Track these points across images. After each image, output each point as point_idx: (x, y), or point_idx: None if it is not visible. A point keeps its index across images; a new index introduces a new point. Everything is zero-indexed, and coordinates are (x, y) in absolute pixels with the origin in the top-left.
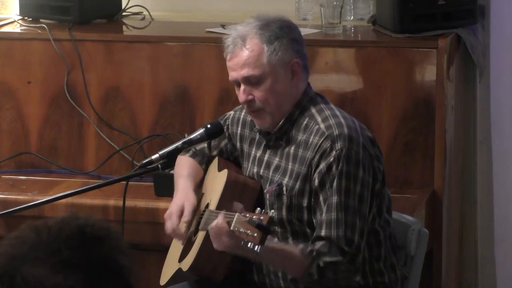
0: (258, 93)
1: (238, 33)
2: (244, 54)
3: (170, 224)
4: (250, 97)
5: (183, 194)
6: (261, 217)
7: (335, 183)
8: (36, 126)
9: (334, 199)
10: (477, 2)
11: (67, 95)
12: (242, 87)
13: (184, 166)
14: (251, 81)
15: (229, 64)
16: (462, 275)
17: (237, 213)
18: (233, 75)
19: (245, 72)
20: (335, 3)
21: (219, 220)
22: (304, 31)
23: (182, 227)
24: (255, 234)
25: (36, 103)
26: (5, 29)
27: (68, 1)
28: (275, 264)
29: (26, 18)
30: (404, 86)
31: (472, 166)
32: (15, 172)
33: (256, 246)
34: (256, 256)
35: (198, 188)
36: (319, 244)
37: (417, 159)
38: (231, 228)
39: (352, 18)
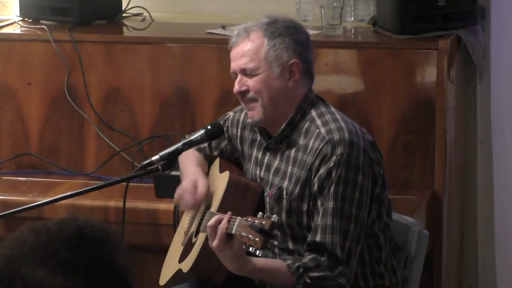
0: (251, 83)
1: (244, 26)
2: (245, 45)
3: (186, 198)
4: (244, 88)
5: (194, 176)
6: (263, 222)
7: (332, 189)
8: (37, 127)
9: (331, 204)
10: (478, 3)
11: (68, 96)
12: (239, 77)
13: (192, 157)
14: (247, 73)
15: (231, 55)
16: (462, 277)
17: (238, 217)
18: (232, 66)
19: (242, 63)
20: (335, 4)
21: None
22: None
23: (199, 198)
24: (257, 239)
25: (36, 104)
26: (5, 30)
27: (68, 2)
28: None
29: (26, 19)
30: (404, 87)
31: (472, 167)
32: (15, 173)
33: (258, 251)
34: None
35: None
36: (307, 258)
37: (417, 160)
38: (233, 232)
39: (352, 19)
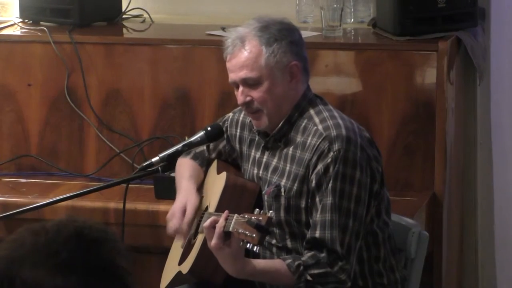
0: (256, 94)
1: (238, 35)
2: (242, 56)
3: (172, 224)
4: (248, 98)
5: (185, 195)
6: (260, 218)
7: (330, 184)
8: (37, 128)
9: (329, 200)
10: (478, 5)
11: (68, 98)
12: (241, 88)
13: (186, 167)
14: (249, 83)
15: (228, 65)
16: (462, 278)
17: (236, 214)
18: (231, 76)
19: (243, 74)
20: (335, 5)
21: (211, 219)
22: (304, 34)
23: (184, 227)
24: (254, 235)
25: (36, 106)
26: (5, 31)
27: (68, 4)
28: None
29: (26, 20)
30: (404, 89)
31: (472, 168)
32: (15, 174)
33: (255, 247)
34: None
35: (200, 189)
36: (307, 255)
37: (417, 161)
38: (230, 229)
39: (352, 20)
